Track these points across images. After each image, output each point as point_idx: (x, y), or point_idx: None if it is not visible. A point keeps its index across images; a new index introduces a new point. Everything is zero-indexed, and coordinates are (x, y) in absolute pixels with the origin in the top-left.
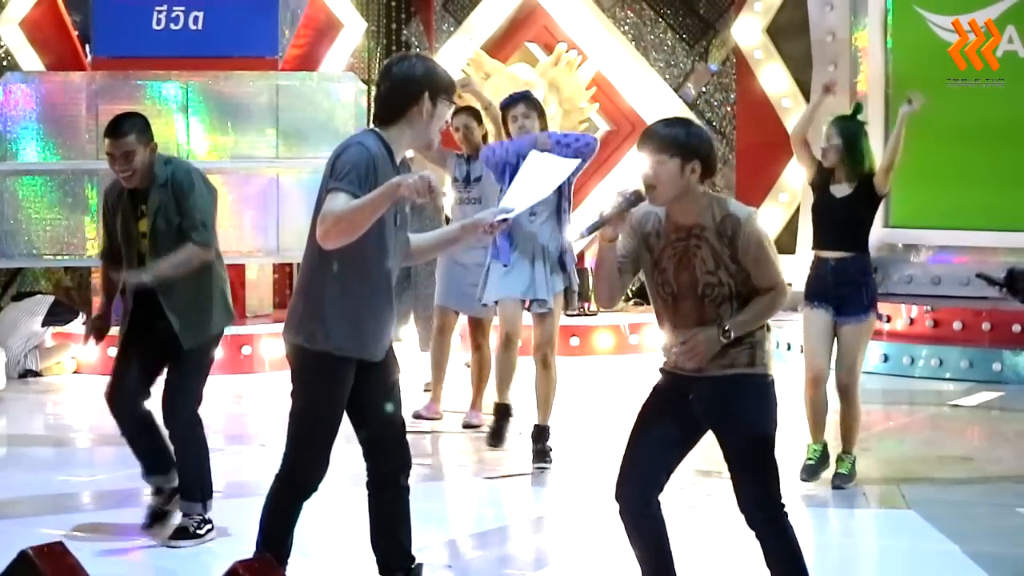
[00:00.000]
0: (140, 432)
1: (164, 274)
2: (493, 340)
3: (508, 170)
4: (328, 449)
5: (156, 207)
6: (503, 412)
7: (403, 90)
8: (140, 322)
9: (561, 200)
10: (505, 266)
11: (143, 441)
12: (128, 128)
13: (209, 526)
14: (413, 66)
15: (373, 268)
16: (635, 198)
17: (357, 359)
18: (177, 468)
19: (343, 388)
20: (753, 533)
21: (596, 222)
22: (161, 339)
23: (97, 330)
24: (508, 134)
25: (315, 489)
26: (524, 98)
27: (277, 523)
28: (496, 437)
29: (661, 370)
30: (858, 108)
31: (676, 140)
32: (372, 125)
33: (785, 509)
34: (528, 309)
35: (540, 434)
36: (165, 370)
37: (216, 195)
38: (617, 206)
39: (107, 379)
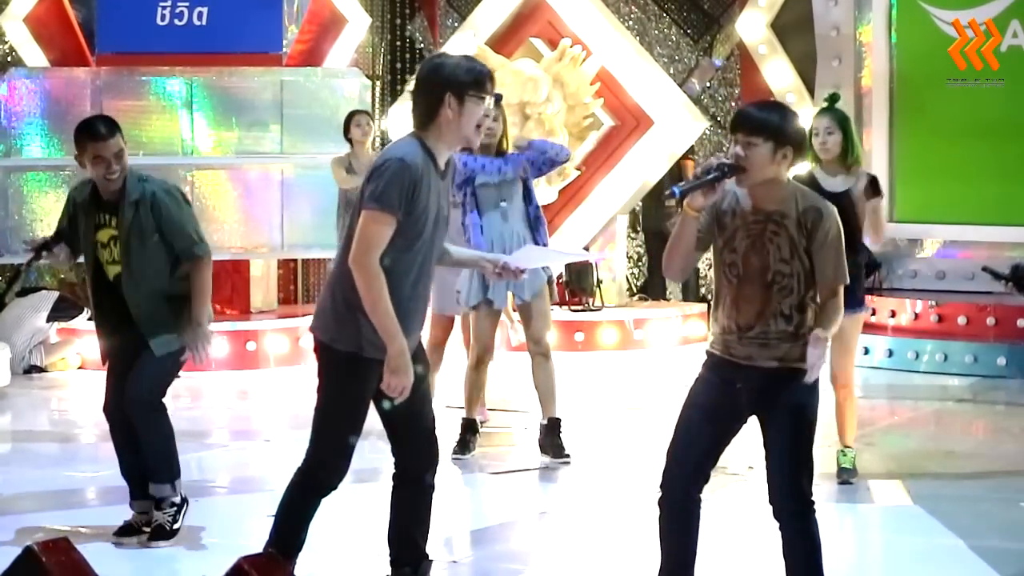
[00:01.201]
0: (131, 451)
1: (202, 316)
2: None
3: (468, 187)
4: (350, 448)
5: (130, 225)
6: (469, 426)
7: (427, 94)
8: (114, 331)
9: (528, 205)
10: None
11: (132, 460)
12: (110, 128)
13: (184, 508)
14: (434, 68)
15: (409, 270)
16: (731, 170)
17: (384, 360)
18: (142, 452)
19: (368, 388)
20: (768, 521)
21: (691, 184)
22: (135, 341)
23: (43, 247)
24: None
25: (334, 487)
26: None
27: (292, 517)
28: (463, 447)
29: (708, 352)
30: (836, 97)
31: (771, 124)
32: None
33: (814, 505)
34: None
35: (553, 428)
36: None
37: (191, 205)
38: (713, 175)
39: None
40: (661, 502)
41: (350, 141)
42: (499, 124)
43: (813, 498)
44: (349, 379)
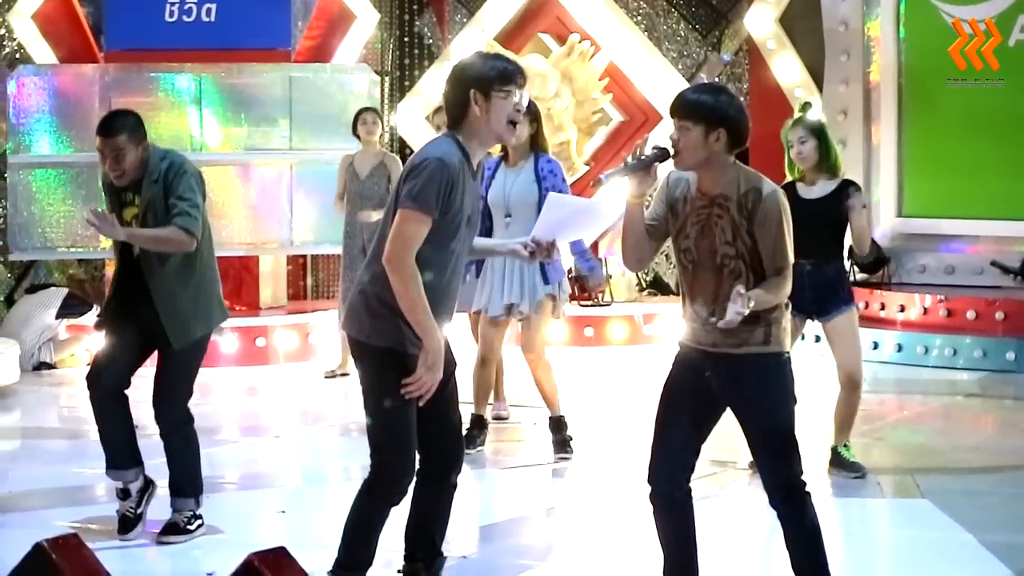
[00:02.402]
0: (113, 417)
1: (139, 238)
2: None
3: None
4: (412, 447)
5: (148, 202)
6: (477, 422)
7: (454, 94)
8: (126, 306)
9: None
10: (477, 277)
11: (114, 427)
12: (119, 127)
13: (199, 522)
14: (460, 67)
15: (443, 269)
16: (661, 154)
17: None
18: (168, 465)
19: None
20: (775, 513)
21: (616, 170)
22: (148, 327)
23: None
24: None
25: (404, 492)
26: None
27: (362, 531)
28: (468, 441)
29: (679, 344)
30: (807, 105)
31: (702, 107)
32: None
33: (807, 489)
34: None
35: (557, 425)
36: (154, 363)
37: (205, 194)
38: (641, 160)
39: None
40: (651, 497)
41: (358, 138)
42: (524, 127)
43: (805, 480)
44: (392, 373)
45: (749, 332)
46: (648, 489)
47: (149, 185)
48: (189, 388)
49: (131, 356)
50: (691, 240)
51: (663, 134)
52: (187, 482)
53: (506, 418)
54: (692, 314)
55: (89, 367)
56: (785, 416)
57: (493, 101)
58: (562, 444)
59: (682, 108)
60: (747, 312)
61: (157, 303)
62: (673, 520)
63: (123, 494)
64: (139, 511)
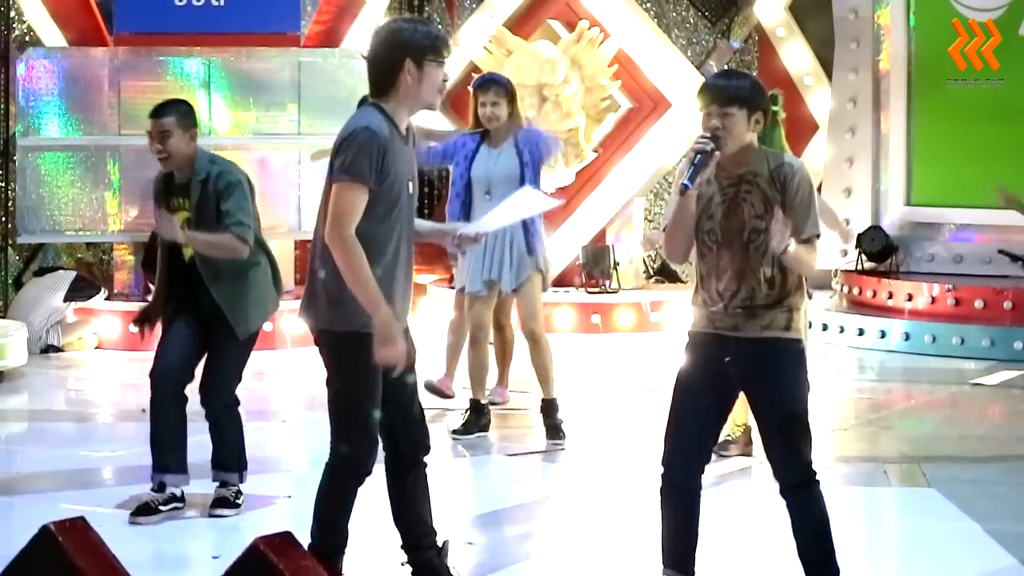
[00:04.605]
0: (169, 419)
1: (196, 243)
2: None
3: (466, 164)
4: (375, 428)
5: (198, 202)
6: (473, 407)
7: (385, 61)
8: (184, 299)
9: (524, 182)
10: (463, 254)
11: (168, 430)
12: (169, 111)
13: (242, 497)
14: (391, 33)
15: (389, 243)
16: (716, 142)
17: None
18: (213, 442)
19: (374, 363)
20: (776, 504)
21: (695, 170)
22: (206, 319)
23: (145, 319)
24: (476, 113)
25: (368, 472)
26: (495, 83)
27: (332, 512)
28: (465, 426)
29: (691, 333)
30: (773, 99)
31: (743, 93)
32: (370, 98)
33: (817, 476)
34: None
35: (548, 409)
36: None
37: (254, 194)
38: (706, 152)
39: (134, 354)
40: (663, 489)
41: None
42: (501, 109)
43: (815, 468)
44: (357, 358)
45: (772, 315)
46: (658, 478)
47: (196, 185)
48: (239, 374)
49: (188, 348)
50: (716, 220)
51: (676, 122)
52: (232, 458)
53: (501, 404)
54: (711, 297)
55: (153, 364)
56: (802, 403)
57: (426, 70)
58: (554, 429)
59: (726, 95)
60: (786, 242)
61: (219, 299)
62: (681, 510)
63: (159, 487)
64: (161, 508)
